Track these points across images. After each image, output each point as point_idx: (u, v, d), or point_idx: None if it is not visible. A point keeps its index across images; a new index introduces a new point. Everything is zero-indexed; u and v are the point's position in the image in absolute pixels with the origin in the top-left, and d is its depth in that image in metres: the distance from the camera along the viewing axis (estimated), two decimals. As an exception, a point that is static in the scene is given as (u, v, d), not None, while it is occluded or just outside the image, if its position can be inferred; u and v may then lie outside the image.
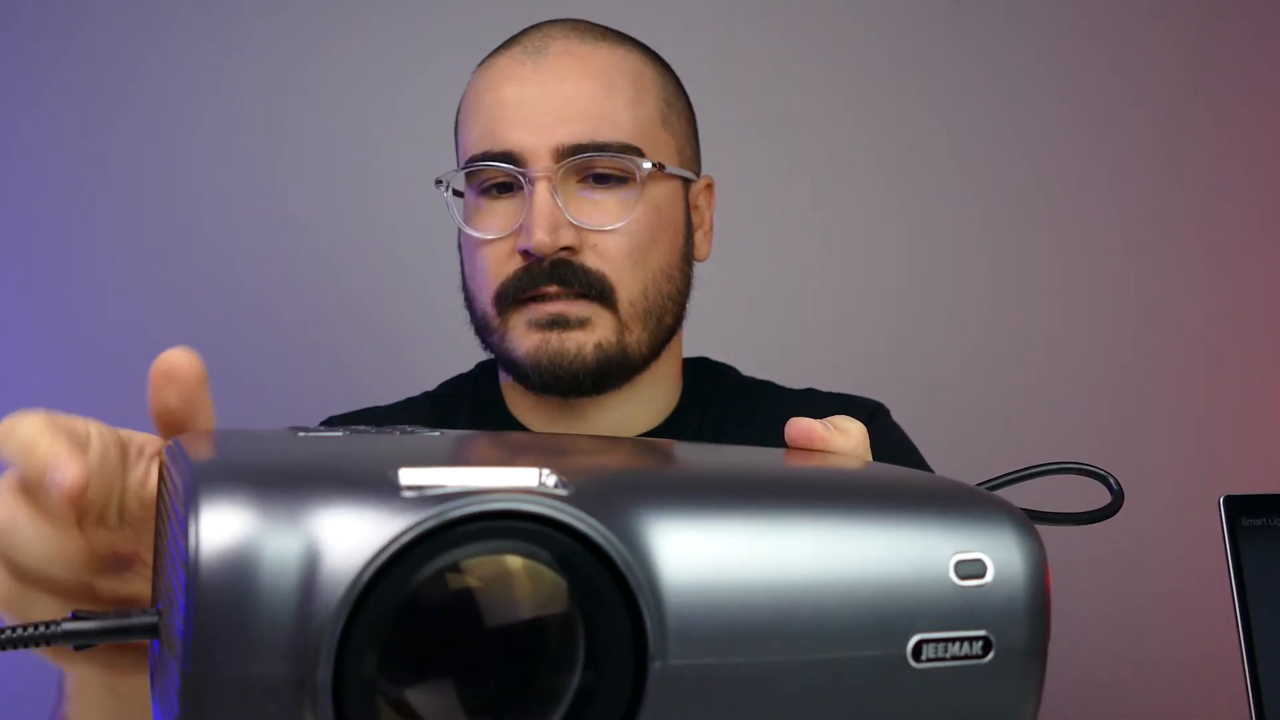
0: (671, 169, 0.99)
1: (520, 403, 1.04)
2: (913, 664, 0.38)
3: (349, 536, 0.34)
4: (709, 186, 1.06)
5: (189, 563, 0.34)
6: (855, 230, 1.67)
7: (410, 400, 1.09)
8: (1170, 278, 1.70)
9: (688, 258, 1.03)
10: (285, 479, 0.35)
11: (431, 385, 1.13)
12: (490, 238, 0.96)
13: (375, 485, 0.35)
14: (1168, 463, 1.66)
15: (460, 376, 1.13)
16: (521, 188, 0.95)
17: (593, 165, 0.95)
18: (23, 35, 1.56)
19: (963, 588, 0.39)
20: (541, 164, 0.94)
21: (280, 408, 1.53)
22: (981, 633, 0.39)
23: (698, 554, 0.36)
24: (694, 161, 1.05)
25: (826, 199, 1.67)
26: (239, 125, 1.59)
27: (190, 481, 0.35)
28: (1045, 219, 1.69)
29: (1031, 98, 1.70)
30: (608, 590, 0.35)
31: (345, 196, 1.60)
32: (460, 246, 1.03)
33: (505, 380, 1.05)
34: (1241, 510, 0.91)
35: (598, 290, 0.95)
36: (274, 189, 1.59)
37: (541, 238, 0.92)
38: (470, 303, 1.01)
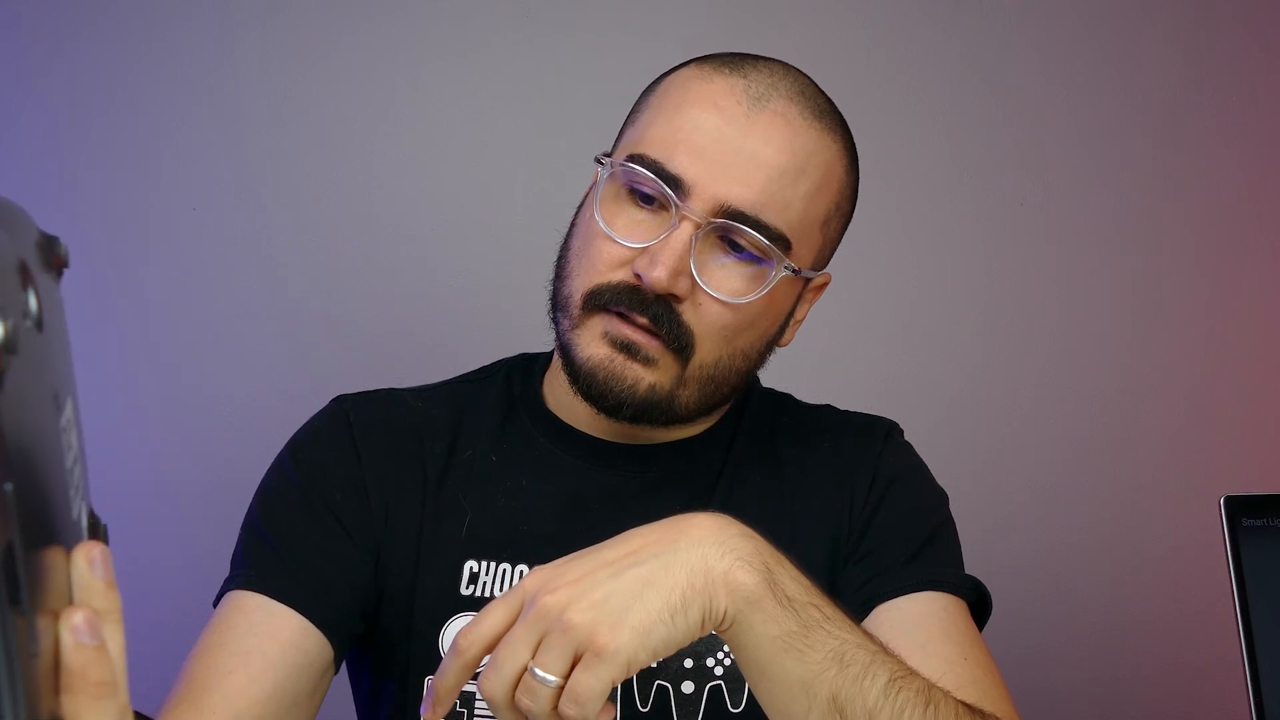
0: (805, 272, 0.99)
1: (563, 393, 1.04)
2: None
3: None
4: (824, 286, 1.06)
5: None
6: (854, 234, 1.67)
7: (426, 386, 1.09)
8: (1171, 278, 1.70)
9: (771, 344, 1.04)
10: None
11: (437, 377, 1.13)
12: (617, 239, 0.95)
13: None
14: (1168, 463, 1.66)
15: (495, 363, 1.12)
16: (666, 210, 0.95)
17: (740, 234, 0.94)
18: (22, 34, 1.56)
19: None
20: (699, 208, 0.93)
21: (284, 405, 1.53)
22: None
23: None
24: (828, 259, 1.05)
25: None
26: (240, 125, 1.59)
27: None
28: (1045, 220, 1.69)
29: (1033, 100, 1.70)
30: None
31: (348, 192, 1.60)
32: (579, 211, 1.02)
33: (557, 359, 1.05)
34: (1241, 510, 0.91)
35: (680, 344, 0.95)
36: (276, 187, 1.59)
37: (660, 276, 0.92)
38: (563, 276, 1.00)
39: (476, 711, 0.96)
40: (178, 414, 1.54)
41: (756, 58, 1.01)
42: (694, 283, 0.94)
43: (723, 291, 0.95)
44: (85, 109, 1.56)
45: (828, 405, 1.13)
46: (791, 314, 1.04)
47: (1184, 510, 1.60)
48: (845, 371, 1.61)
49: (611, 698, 0.96)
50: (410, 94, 1.61)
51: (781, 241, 0.95)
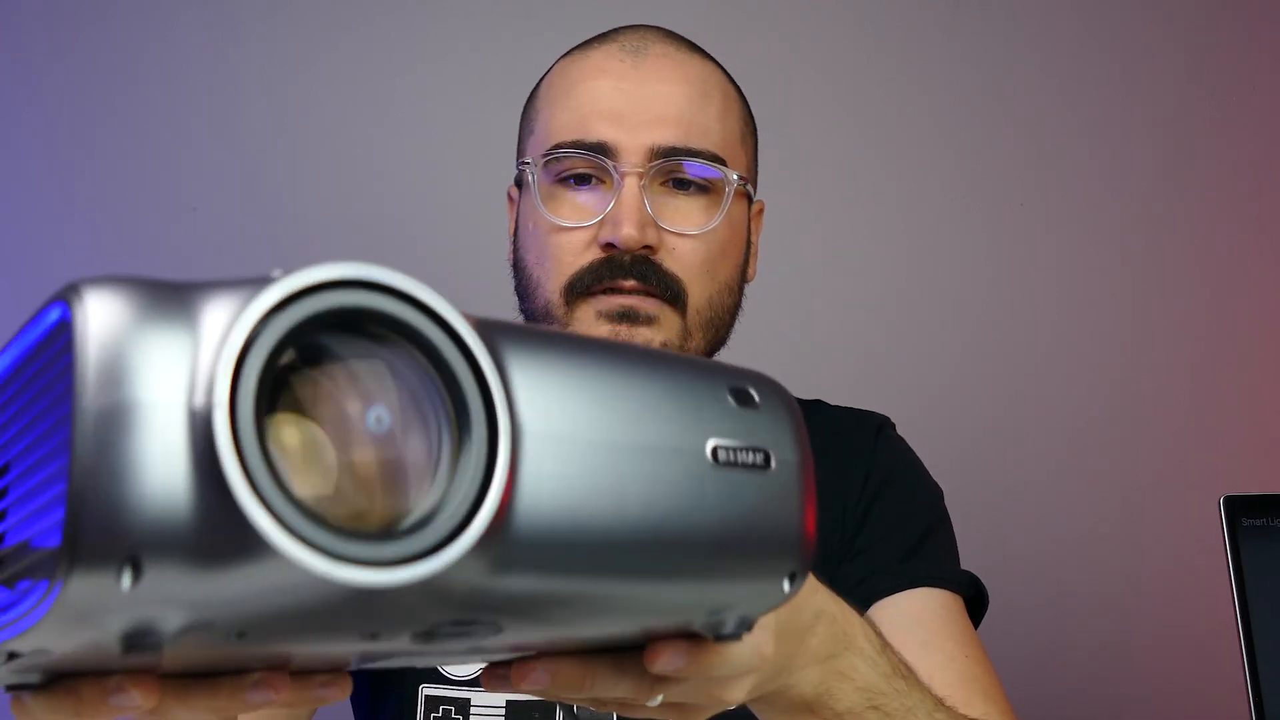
0: (748, 187, 1.01)
1: None
2: (712, 463, 0.46)
3: (235, 300, 0.38)
4: (761, 211, 1.08)
5: (77, 315, 0.37)
6: (854, 233, 1.67)
7: None
8: (1170, 278, 1.70)
9: (744, 276, 1.05)
10: (170, 282, 0.39)
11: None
12: (570, 225, 0.96)
13: (253, 279, 0.39)
14: (1168, 463, 1.66)
15: None
16: (604, 181, 0.96)
17: (680, 169, 0.97)
18: (22, 34, 1.56)
19: (740, 410, 0.48)
20: (633, 160, 0.95)
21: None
22: (761, 446, 0.48)
23: (540, 354, 0.43)
24: (756, 182, 1.07)
25: (825, 202, 1.67)
26: (241, 124, 1.59)
27: (73, 285, 0.38)
28: (1045, 221, 1.69)
29: (1033, 100, 1.70)
30: (457, 363, 0.40)
31: (349, 195, 1.60)
32: (516, 233, 1.03)
33: None
34: (1241, 510, 0.91)
35: (672, 292, 0.96)
36: (276, 187, 1.59)
37: (630, 232, 0.93)
38: (531, 290, 1.01)
39: (472, 715, 0.96)
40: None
41: (622, 28, 1.04)
42: (660, 230, 0.95)
43: (689, 226, 0.97)
44: (85, 109, 1.56)
45: (818, 400, 1.12)
46: (749, 242, 1.05)
47: (1184, 510, 1.60)
48: (843, 370, 1.61)
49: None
50: (410, 94, 1.61)
51: (718, 161, 0.98)
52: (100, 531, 0.35)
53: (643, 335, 0.95)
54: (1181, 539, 1.60)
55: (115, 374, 0.36)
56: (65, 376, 0.36)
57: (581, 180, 0.97)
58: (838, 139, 1.67)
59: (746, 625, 0.50)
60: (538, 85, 1.06)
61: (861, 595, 0.96)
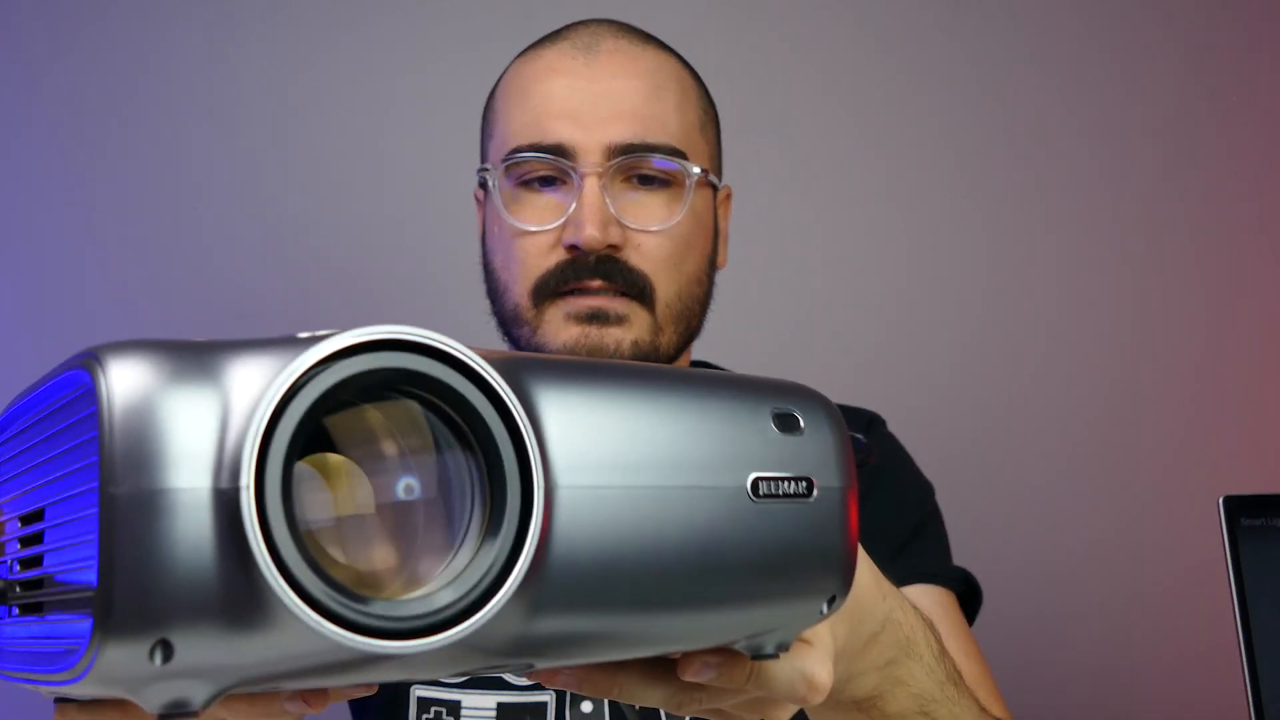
0: (711, 177, 1.01)
1: None
2: (751, 498, 0.46)
3: (259, 367, 0.38)
4: (729, 196, 1.08)
5: (101, 391, 0.36)
6: (853, 232, 1.67)
7: None
8: (1169, 278, 1.69)
9: (714, 264, 1.05)
10: (194, 344, 0.39)
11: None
12: (534, 229, 0.96)
13: (278, 340, 0.39)
14: (1168, 463, 1.66)
15: None
16: (565, 181, 0.96)
17: (640, 165, 0.96)
18: (22, 34, 1.56)
19: (783, 438, 0.47)
20: (592, 160, 0.95)
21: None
22: (804, 475, 0.47)
23: (572, 397, 0.43)
24: (720, 170, 1.06)
25: (824, 201, 1.66)
26: (241, 124, 1.59)
27: (93, 352, 0.38)
28: (1044, 221, 1.69)
29: (1033, 100, 1.70)
30: (490, 417, 0.40)
31: (349, 195, 1.60)
32: (484, 237, 1.03)
33: None
34: (1241, 510, 0.91)
35: (639, 289, 0.96)
36: (277, 187, 1.59)
37: (593, 233, 0.93)
38: (500, 293, 1.00)
39: (463, 716, 0.96)
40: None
41: (574, 24, 1.04)
42: (623, 228, 0.95)
43: (652, 222, 0.96)
44: (85, 109, 1.56)
45: None
46: (717, 230, 1.05)
47: (1184, 510, 1.60)
48: (842, 369, 1.61)
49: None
50: (410, 94, 1.61)
51: (677, 154, 0.97)
52: (131, 616, 0.36)
53: (614, 335, 0.96)
54: (1181, 539, 1.60)
55: (141, 459, 0.36)
56: (92, 451, 0.36)
57: (544, 182, 0.97)
58: (838, 139, 1.67)
59: (784, 647, 0.50)
60: (494, 88, 1.06)
61: None
